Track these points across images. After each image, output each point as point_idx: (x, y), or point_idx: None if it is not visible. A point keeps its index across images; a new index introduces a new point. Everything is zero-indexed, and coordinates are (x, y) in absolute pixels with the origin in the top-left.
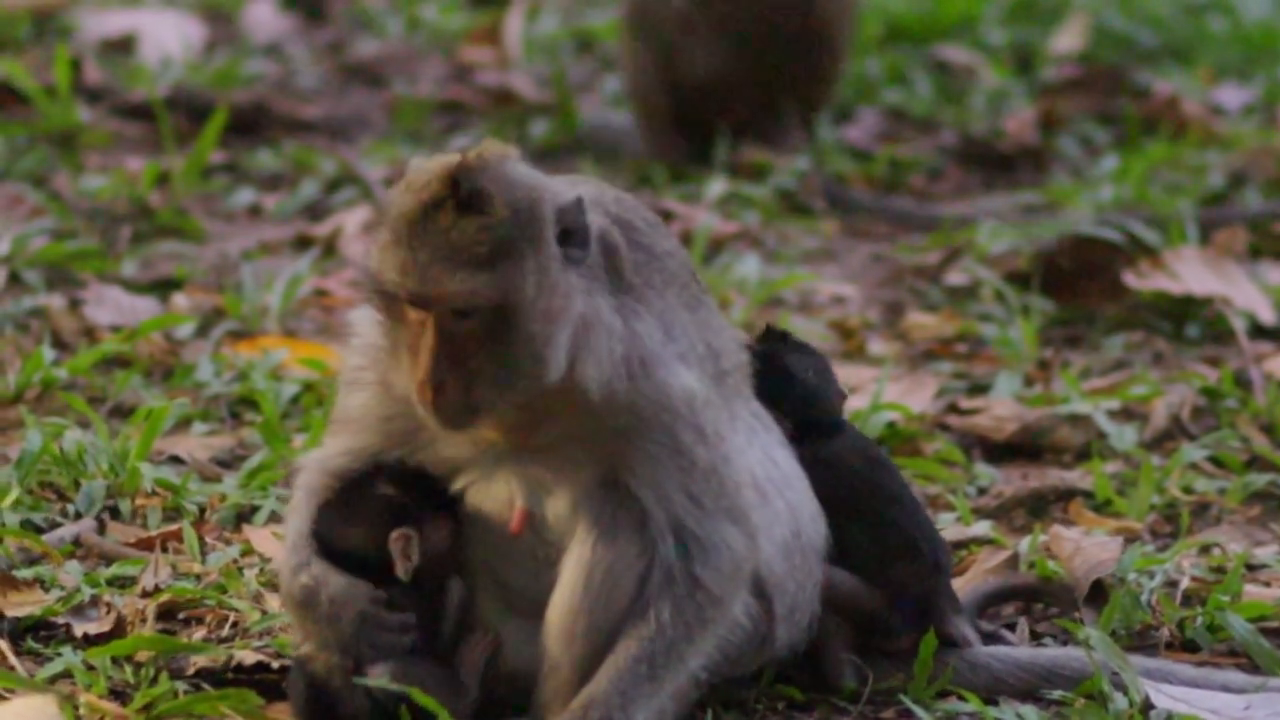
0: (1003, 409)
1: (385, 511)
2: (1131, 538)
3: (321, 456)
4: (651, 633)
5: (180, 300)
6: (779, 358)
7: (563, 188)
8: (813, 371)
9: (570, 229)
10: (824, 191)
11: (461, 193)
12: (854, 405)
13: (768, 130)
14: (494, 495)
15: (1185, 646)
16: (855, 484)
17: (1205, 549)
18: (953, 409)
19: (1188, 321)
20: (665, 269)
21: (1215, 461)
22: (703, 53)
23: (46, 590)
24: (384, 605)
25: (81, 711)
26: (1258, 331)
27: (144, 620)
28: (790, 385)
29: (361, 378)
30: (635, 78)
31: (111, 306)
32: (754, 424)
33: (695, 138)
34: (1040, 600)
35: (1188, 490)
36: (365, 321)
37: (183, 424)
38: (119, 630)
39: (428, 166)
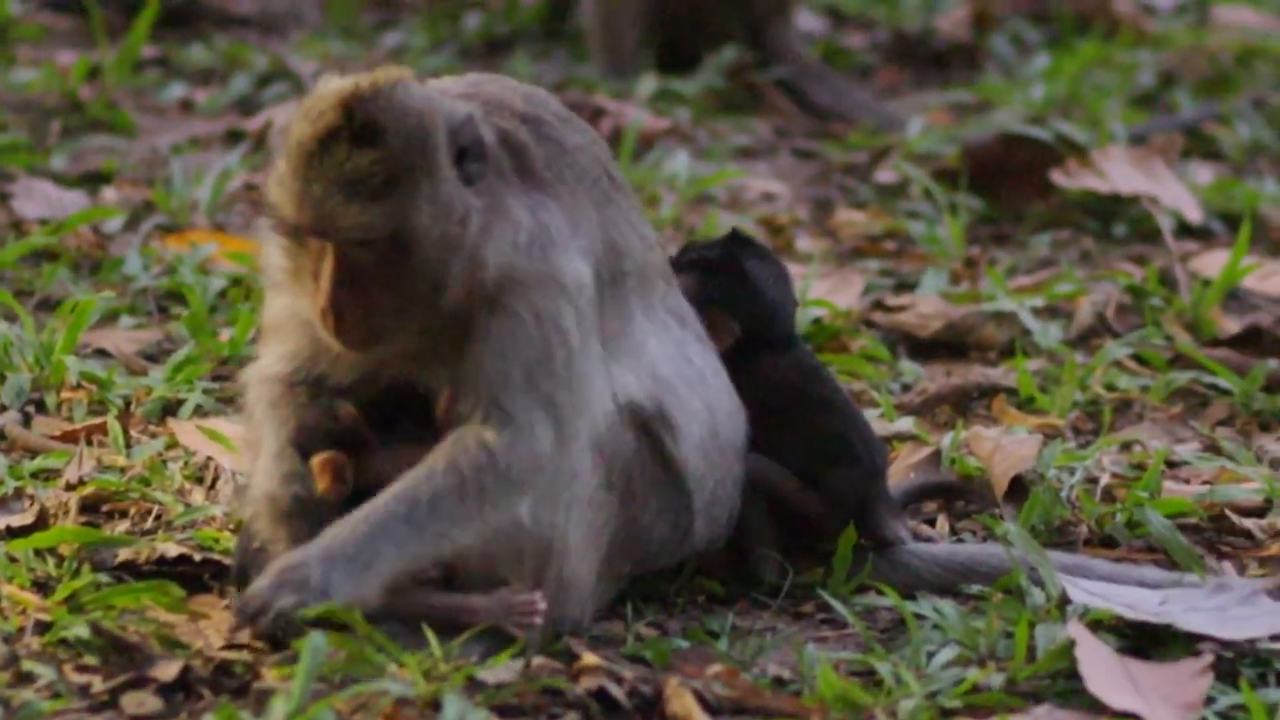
0: (928, 306)
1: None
2: (1053, 434)
3: (260, 367)
4: (420, 477)
5: (109, 194)
6: (741, 265)
7: (457, 105)
8: (773, 282)
9: (465, 146)
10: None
11: (355, 124)
12: None
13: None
14: None
15: (1104, 542)
16: (789, 395)
17: (1126, 446)
18: (879, 306)
19: (1114, 220)
20: (576, 164)
21: (1139, 359)
22: None
23: None
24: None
25: (3, 603)
26: (1184, 230)
27: (67, 513)
28: (754, 299)
29: (282, 279)
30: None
31: (40, 200)
32: (667, 320)
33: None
34: (961, 497)
35: (1110, 387)
36: (271, 237)
37: (110, 318)
38: (42, 522)
39: (324, 94)
